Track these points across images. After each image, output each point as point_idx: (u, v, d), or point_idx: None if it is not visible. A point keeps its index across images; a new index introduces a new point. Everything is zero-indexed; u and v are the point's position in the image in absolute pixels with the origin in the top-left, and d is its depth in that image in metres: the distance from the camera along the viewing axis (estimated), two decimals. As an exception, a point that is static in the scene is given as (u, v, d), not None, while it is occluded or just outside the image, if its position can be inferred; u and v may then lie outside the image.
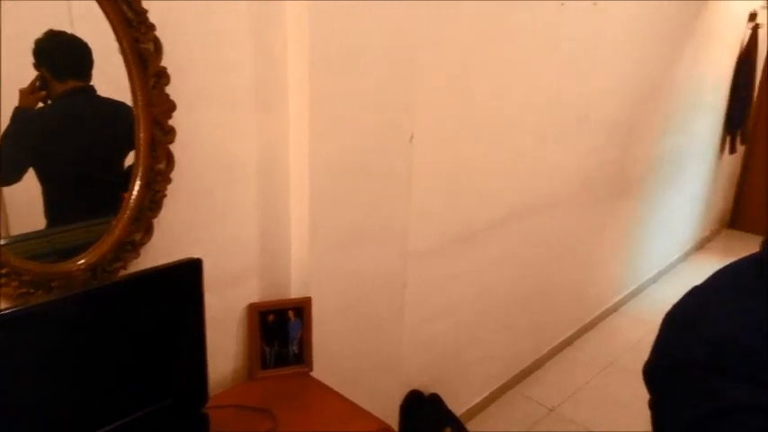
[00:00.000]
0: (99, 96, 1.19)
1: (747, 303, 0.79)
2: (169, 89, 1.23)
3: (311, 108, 1.44)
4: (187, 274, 1.25)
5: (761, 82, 4.16)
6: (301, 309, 1.59)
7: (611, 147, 3.06)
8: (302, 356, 1.62)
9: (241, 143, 1.44)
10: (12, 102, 1.07)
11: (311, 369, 1.62)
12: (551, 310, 3.08)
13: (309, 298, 1.59)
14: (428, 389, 2.40)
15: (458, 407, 2.52)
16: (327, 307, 1.66)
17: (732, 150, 4.36)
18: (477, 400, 2.71)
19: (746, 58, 3.87)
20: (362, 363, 1.83)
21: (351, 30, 1.48)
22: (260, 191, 1.52)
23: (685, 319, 0.82)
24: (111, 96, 1.21)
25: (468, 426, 2.55)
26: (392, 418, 2.06)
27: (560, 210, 2.84)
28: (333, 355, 1.72)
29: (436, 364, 2.43)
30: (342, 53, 1.48)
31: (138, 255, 1.27)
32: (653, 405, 0.89)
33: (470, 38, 2.05)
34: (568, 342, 3.26)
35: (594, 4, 2.57)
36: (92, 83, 1.17)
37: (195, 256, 1.28)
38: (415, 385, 2.35)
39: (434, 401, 2.37)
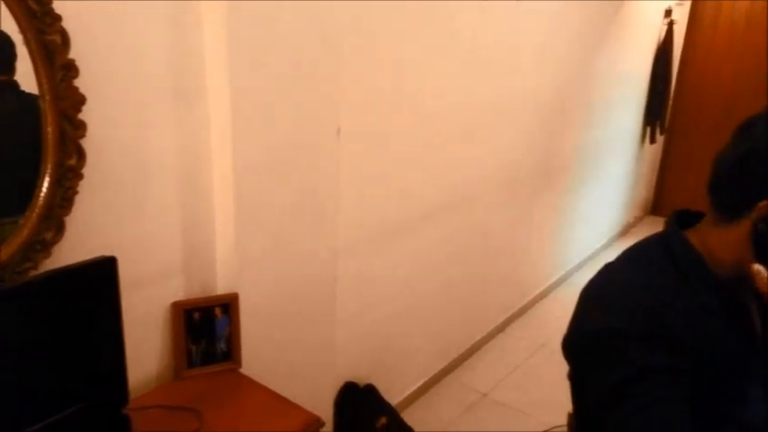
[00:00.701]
0: (23, 92, 1.14)
1: (658, 275, 0.85)
2: (79, 82, 1.19)
3: (232, 101, 1.42)
4: (101, 273, 1.21)
5: (677, 75, 4.37)
6: (228, 305, 1.57)
7: (536, 139, 3.16)
8: (231, 353, 1.60)
9: (158, 138, 1.41)
10: None
11: (240, 366, 1.61)
12: (483, 298, 3.15)
13: (236, 294, 1.57)
14: (363, 380, 2.42)
15: (393, 397, 2.55)
16: (256, 303, 1.65)
17: (652, 140, 4.57)
18: (413, 389, 2.75)
19: (663, 52, 4.06)
20: (294, 357, 1.83)
21: (271, 23, 1.46)
22: (181, 187, 1.48)
23: (600, 293, 0.87)
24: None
25: (404, 414, 2.59)
26: (327, 410, 2.07)
27: (487, 200, 2.91)
28: (263, 350, 1.71)
29: (371, 356, 2.45)
30: (262, 45, 1.46)
31: (50, 254, 1.22)
32: (572, 376, 0.95)
33: (395, 35, 2.07)
34: (500, 329, 3.35)
35: (518, 3, 2.64)
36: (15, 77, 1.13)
37: (111, 254, 1.24)
38: (350, 377, 2.36)
39: (369, 392, 2.39)
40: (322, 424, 1.45)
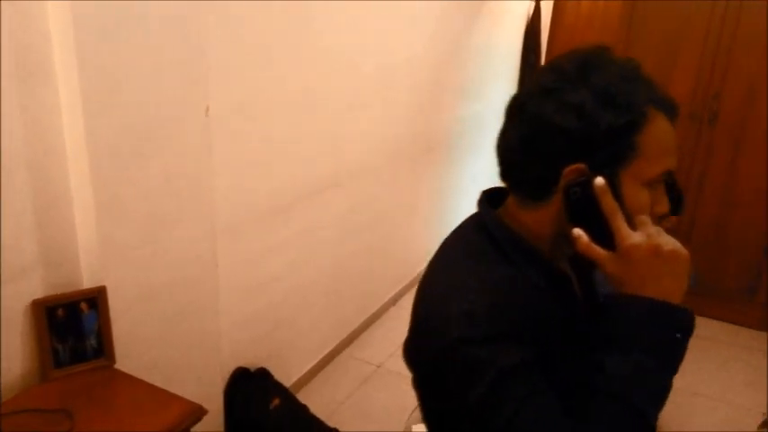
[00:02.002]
0: None
1: (488, 267, 0.82)
2: None
3: (81, 82, 1.33)
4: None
5: (547, 47, 4.60)
6: (95, 299, 1.48)
7: (416, 113, 3.21)
8: (102, 349, 1.52)
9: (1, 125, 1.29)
10: None
11: (114, 362, 1.53)
12: (373, 274, 3.20)
13: (104, 287, 1.49)
14: (255, 365, 2.39)
15: (287, 378, 2.54)
16: (128, 294, 1.57)
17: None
18: (307, 368, 2.75)
19: (532, 26, 4.25)
20: (176, 348, 1.77)
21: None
22: (32, 176, 1.37)
23: (439, 295, 0.82)
24: None
25: (300, 394, 2.59)
26: (216, 398, 2.03)
27: (373, 175, 2.94)
28: (140, 343, 1.64)
29: (262, 339, 2.42)
30: (113, 20, 1.37)
31: None
32: (421, 384, 0.88)
33: (266, 7, 2.01)
34: (392, 302, 3.42)
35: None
36: None
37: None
38: (241, 362, 2.32)
39: (262, 376, 2.37)
40: (204, 412, 1.41)
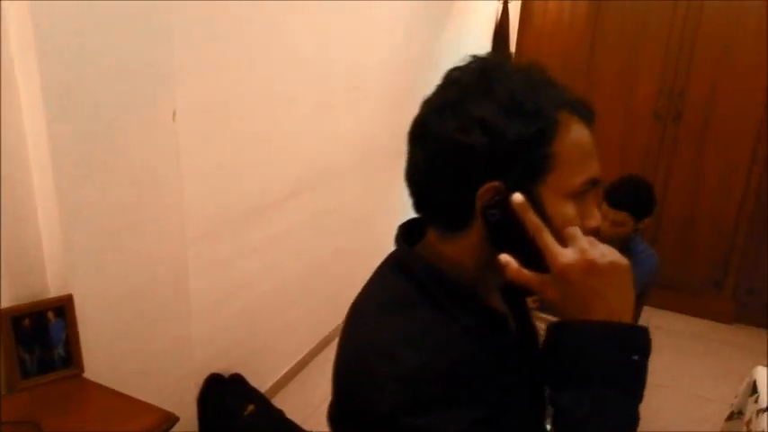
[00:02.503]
0: None
1: (412, 316, 0.71)
2: None
3: (43, 86, 1.31)
4: None
5: (515, 51, 4.65)
6: (62, 308, 1.46)
7: (389, 114, 3.22)
8: (71, 359, 1.50)
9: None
10: None
11: (82, 371, 1.51)
12: (348, 276, 3.19)
13: (70, 295, 1.46)
14: (230, 370, 2.37)
15: (263, 383, 2.53)
16: (96, 302, 1.55)
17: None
18: (283, 372, 2.74)
19: (500, 30, 4.30)
20: (147, 355, 1.74)
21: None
22: (-6, 184, 1.35)
23: (362, 358, 0.71)
24: None
25: (276, 399, 2.58)
26: (189, 405, 2.01)
27: (346, 178, 2.94)
28: (110, 351, 1.61)
29: (236, 345, 2.40)
30: (75, 27, 1.35)
31: None
32: None
33: (238, 9, 2.00)
34: (367, 304, 3.41)
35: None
36: None
37: None
38: (215, 368, 2.30)
39: (236, 381, 2.35)
40: (176, 420, 1.40)
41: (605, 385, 0.65)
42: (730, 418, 2.36)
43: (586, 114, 0.72)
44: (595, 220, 0.72)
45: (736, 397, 2.35)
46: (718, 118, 3.31)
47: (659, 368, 2.99)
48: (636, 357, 0.67)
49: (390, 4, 3.00)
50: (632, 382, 0.67)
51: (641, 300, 2.41)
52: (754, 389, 2.20)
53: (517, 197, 0.66)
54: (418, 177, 0.74)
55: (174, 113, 1.65)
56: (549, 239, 0.66)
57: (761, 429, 1.98)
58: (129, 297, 1.64)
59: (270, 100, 2.28)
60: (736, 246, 3.40)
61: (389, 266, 0.81)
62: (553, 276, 0.67)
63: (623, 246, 2.36)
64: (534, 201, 0.67)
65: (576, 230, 0.67)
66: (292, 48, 2.34)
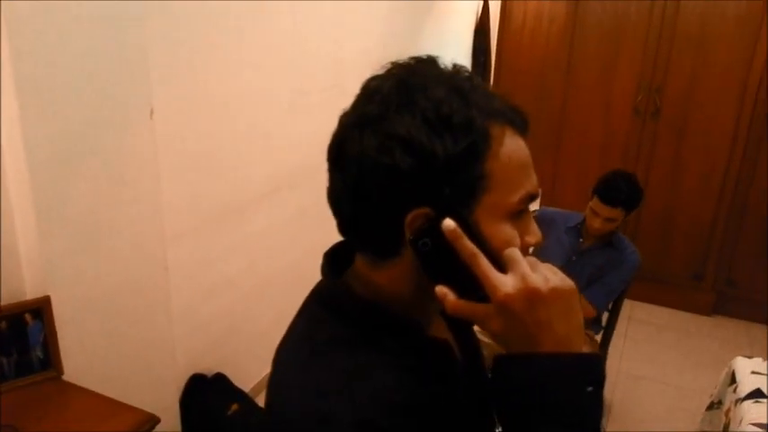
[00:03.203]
0: None
1: (341, 356, 0.64)
2: None
3: (18, 86, 1.29)
4: None
5: (496, 47, 4.68)
6: (40, 310, 1.44)
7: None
8: (49, 361, 1.48)
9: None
10: None
11: (62, 373, 1.49)
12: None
13: (48, 297, 1.45)
14: (213, 370, 2.35)
15: (246, 382, 2.52)
16: (75, 303, 1.53)
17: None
18: (267, 371, 2.71)
19: (481, 27, 4.32)
20: (127, 356, 1.73)
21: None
22: (-33, 184, 1.33)
23: (298, 421, 0.62)
24: None
25: (260, 398, 2.56)
26: (171, 406, 1.99)
27: (326, 175, 2.92)
28: (89, 353, 1.60)
29: (219, 345, 2.39)
30: (48, 26, 1.33)
31: None
32: None
33: (208, 8, 1.99)
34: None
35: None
36: None
37: None
38: (198, 369, 2.29)
39: (219, 381, 2.34)
40: (157, 421, 1.39)
41: (560, 424, 0.59)
42: (710, 407, 2.40)
43: (520, 124, 0.65)
44: (535, 236, 0.66)
45: (715, 387, 2.39)
46: (696, 113, 3.36)
47: (640, 360, 3.04)
48: (590, 389, 0.60)
49: (369, 3, 3.00)
50: (588, 415, 0.61)
51: (622, 295, 2.45)
52: (732, 379, 2.24)
53: (448, 224, 0.59)
54: (340, 203, 0.68)
55: (152, 111, 1.64)
56: (485, 267, 0.59)
57: (739, 418, 2.01)
58: (109, 297, 1.63)
59: (248, 97, 2.27)
60: (716, 238, 3.45)
61: (315, 300, 0.73)
62: (494, 308, 0.60)
63: (609, 241, 2.39)
64: (468, 225, 0.60)
65: (515, 253, 0.61)
66: (270, 45, 2.33)
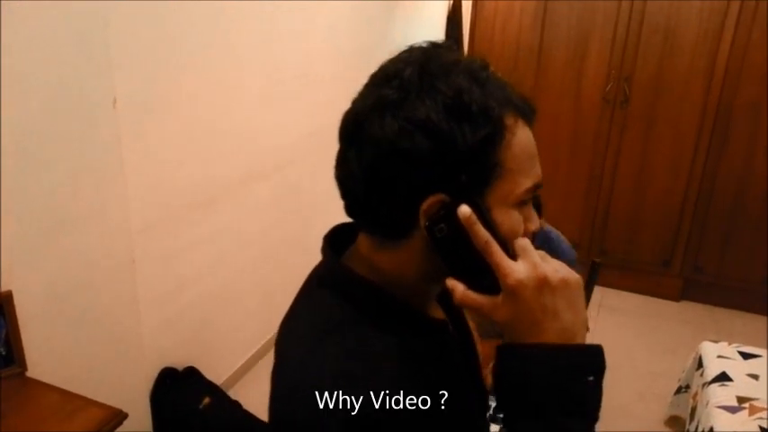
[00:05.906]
0: None
1: (353, 352, 0.65)
2: None
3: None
4: None
5: (469, 36, 4.68)
6: (1, 305, 1.40)
7: (338, 104, 3.18)
8: (12, 357, 1.44)
9: None
10: None
11: (26, 369, 1.45)
12: (305, 264, 3.15)
13: (9, 292, 1.41)
14: (184, 363, 2.32)
15: (218, 375, 2.49)
16: (38, 298, 1.49)
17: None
18: (239, 364, 2.71)
19: (453, 16, 4.31)
20: (93, 351, 1.69)
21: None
22: None
23: (306, 400, 0.62)
24: None
25: (233, 390, 2.55)
26: (141, 401, 1.96)
27: (297, 166, 2.90)
28: (54, 348, 1.56)
29: (189, 338, 2.36)
30: (4, 11, 1.28)
31: None
32: None
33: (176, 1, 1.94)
34: (325, 292, 3.40)
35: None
36: None
37: None
38: (169, 362, 2.25)
39: (190, 375, 2.31)
40: (124, 416, 1.36)
41: (561, 414, 0.62)
42: (678, 391, 2.45)
43: (530, 116, 0.67)
44: (535, 223, 0.69)
45: (683, 371, 2.44)
46: (664, 102, 3.40)
47: (610, 345, 3.08)
48: (591, 378, 0.63)
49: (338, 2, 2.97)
50: (589, 405, 0.63)
51: (592, 282, 2.47)
52: (700, 363, 2.29)
53: (464, 210, 0.61)
54: (352, 183, 0.68)
55: (115, 101, 1.60)
56: (498, 255, 0.62)
57: (706, 401, 2.06)
58: (72, 292, 1.59)
59: (217, 87, 2.23)
60: (684, 226, 3.51)
61: (316, 281, 0.74)
62: (504, 294, 0.62)
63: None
64: (482, 212, 0.62)
65: (527, 243, 0.63)
66: (237, 33, 2.29)
